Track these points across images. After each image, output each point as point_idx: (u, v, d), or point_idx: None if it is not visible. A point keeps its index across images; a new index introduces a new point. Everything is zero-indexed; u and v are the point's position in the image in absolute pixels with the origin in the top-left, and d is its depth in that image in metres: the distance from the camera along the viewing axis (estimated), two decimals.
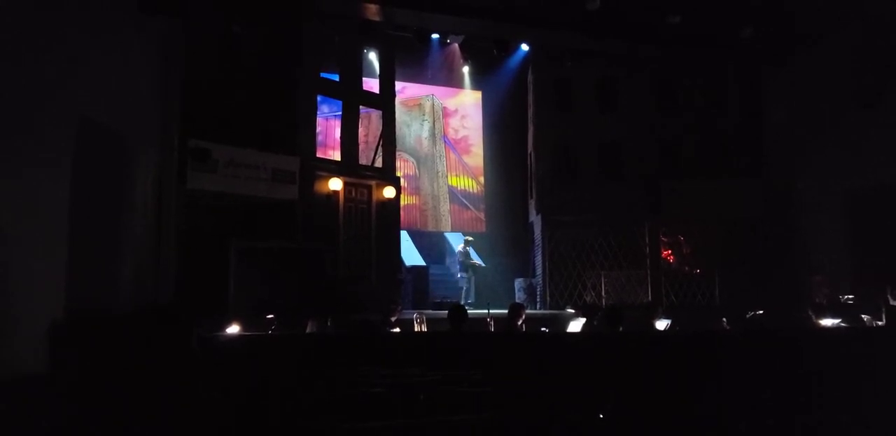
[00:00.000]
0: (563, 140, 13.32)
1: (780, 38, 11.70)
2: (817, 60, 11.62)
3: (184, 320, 3.44)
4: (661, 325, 7.18)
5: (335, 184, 10.62)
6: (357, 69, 11.73)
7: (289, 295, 8.80)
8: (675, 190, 12.71)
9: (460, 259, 12.92)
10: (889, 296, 7.30)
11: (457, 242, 14.08)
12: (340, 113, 11.67)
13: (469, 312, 6.33)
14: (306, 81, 10.55)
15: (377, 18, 11.10)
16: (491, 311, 8.25)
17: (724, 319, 7.37)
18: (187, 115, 7.67)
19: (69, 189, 4.65)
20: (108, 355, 3.88)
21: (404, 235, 13.05)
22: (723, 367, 4.69)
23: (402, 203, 12.56)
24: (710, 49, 12.52)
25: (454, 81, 15.26)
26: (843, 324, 6.78)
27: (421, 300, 12.08)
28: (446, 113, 15.99)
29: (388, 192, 11.45)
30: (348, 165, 11.19)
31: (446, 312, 6.24)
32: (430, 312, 9.73)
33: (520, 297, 12.56)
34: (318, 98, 11.17)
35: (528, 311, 7.53)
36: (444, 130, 15.92)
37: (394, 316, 7.34)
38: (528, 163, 13.99)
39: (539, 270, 12.74)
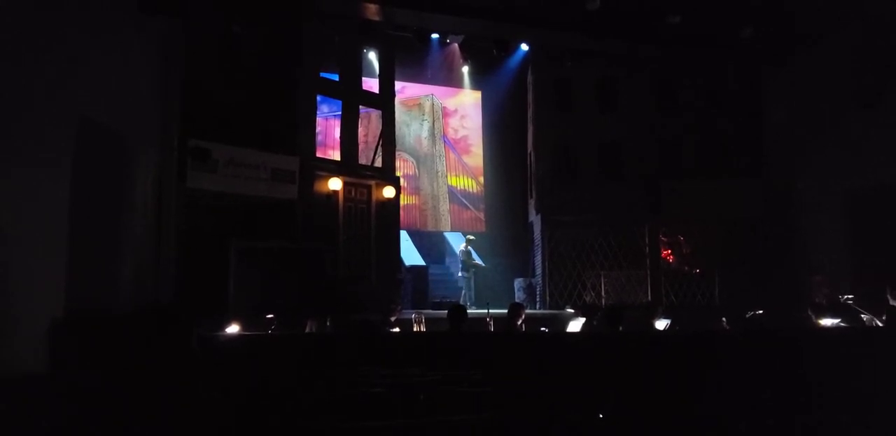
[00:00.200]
0: (563, 140, 13.32)
1: (780, 38, 11.70)
2: (817, 60, 11.61)
3: (184, 320, 3.44)
4: (661, 325, 7.19)
5: (335, 184, 10.61)
6: (357, 69, 11.73)
7: (289, 295, 8.80)
8: (675, 190, 12.71)
9: (462, 259, 12.89)
10: (889, 296, 7.29)
11: (456, 241, 14.09)
12: (340, 113, 11.67)
13: (469, 312, 6.34)
14: (306, 81, 10.55)
15: (377, 18, 11.10)
16: (490, 311, 8.26)
17: (724, 319, 7.35)
18: (187, 115, 7.68)
19: (69, 189, 4.66)
20: (108, 354, 3.89)
21: (404, 234, 13.05)
22: (723, 367, 4.68)
23: (401, 203, 12.56)
24: (709, 49, 12.50)
25: (454, 81, 15.26)
26: (843, 324, 6.78)
27: (420, 300, 12.09)
28: (446, 113, 15.99)
29: (388, 192, 11.44)
30: (348, 165, 11.19)
31: (446, 312, 6.25)
32: (430, 312, 9.74)
33: (519, 297, 12.56)
34: (318, 98, 11.17)
35: (527, 311, 7.51)
36: (443, 129, 15.91)
37: (393, 316, 7.33)
38: (528, 163, 13.98)
39: (539, 270, 12.73)
